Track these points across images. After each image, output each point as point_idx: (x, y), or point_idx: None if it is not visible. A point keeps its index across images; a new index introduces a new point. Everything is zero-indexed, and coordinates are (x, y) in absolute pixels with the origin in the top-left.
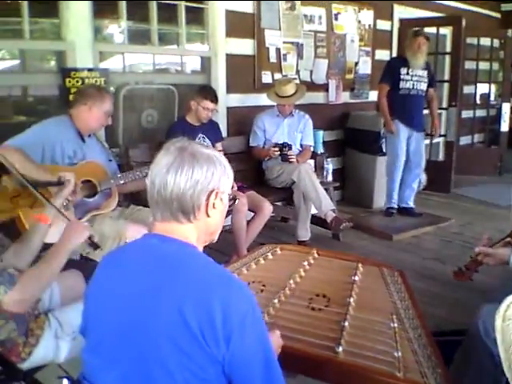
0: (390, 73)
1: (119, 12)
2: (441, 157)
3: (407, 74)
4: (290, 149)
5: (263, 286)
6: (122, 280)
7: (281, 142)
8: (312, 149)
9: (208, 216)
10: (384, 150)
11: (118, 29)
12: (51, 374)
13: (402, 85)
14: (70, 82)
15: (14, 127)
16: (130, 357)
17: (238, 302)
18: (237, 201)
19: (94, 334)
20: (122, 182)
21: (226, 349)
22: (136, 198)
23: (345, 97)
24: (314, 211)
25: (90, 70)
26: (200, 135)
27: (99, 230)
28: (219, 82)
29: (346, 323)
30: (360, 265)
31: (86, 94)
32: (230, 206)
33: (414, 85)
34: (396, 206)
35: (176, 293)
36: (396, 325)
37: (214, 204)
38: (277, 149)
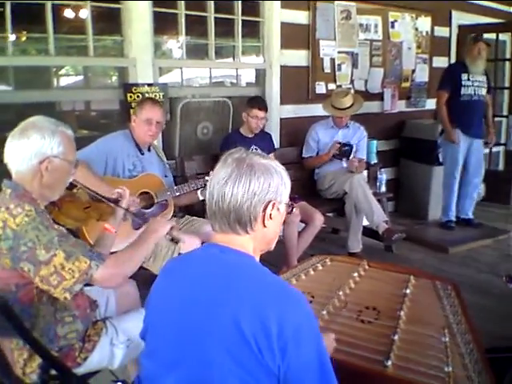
0: (450, 79)
1: (178, 28)
2: (501, 166)
3: (468, 79)
4: (350, 152)
5: (312, 297)
6: (180, 288)
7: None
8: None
9: (265, 226)
10: (441, 160)
11: (176, 44)
12: (104, 380)
13: (463, 91)
14: (131, 96)
15: (77, 141)
16: (187, 363)
17: (293, 314)
18: (294, 209)
19: (153, 340)
20: (177, 193)
21: (281, 360)
22: (190, 209)
23: (400, 105)
24: (365, 222)
25: (149, 85)
26: (253, 146)
27: None
28: (273, 93)
29: (396, 337)
30: (412, 277)
31: (133, 109)
32: (287, 215)
33: (475, 91)
34: (454, 219)
35: (232, 302)
36: (447, 339)
37: (270, 215)
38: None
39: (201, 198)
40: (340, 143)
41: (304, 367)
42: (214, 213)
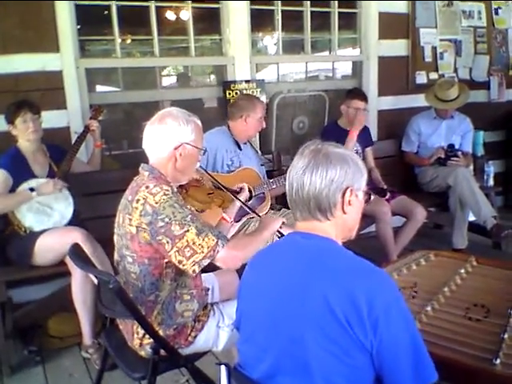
0: None
1: (274, 24)
2: None
3: None
4: (456, 155)
5: (415, 292)
6: (269, 275)
7: (443, 145)
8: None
9: (344, 213)
10: None
11: (271, 40)
12: (208, 363)
13: None
14: (229, 93)
15: None
16: (282, 345)
17: (381, 291)
18: (372, 197)
19: (248, 326)
20: (274, 186)
21: (373, 336)
22: (286, 202)
23: (508, 94)
24: (471, 218)
25: (247, 81)
26: None
27: None
28: (370, 85)
29: (506, 335)
30: None
31: (239, 107)
32: (366, 202)
33: None
34: None
35: (321, 282)
36: None
37: (349, 201)
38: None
39: None
40: (444, 148)
41: (397, 343)
42: (295, 201)
